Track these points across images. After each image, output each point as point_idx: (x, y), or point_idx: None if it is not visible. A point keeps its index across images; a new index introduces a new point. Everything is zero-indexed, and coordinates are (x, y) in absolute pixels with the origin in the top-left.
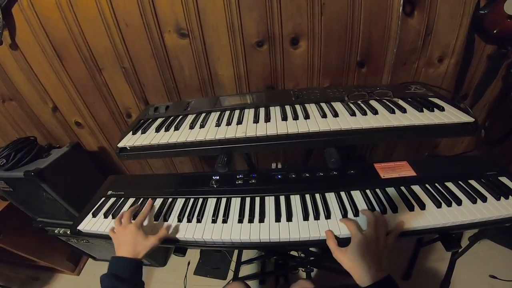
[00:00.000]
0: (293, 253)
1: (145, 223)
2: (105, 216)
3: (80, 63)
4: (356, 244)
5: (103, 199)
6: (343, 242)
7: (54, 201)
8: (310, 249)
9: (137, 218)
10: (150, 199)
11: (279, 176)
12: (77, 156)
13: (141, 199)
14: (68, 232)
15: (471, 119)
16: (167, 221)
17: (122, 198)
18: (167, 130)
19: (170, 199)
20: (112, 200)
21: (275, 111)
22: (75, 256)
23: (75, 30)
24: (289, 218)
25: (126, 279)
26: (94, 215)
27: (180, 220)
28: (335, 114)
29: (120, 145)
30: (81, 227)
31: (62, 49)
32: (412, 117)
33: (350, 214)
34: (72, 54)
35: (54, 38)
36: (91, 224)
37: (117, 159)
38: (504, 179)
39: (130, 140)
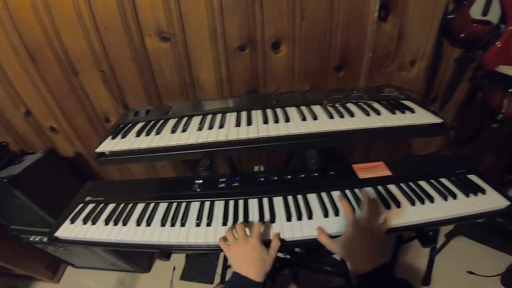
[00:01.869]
0: (279, 254)
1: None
2: (84, 222)
3: (55, 66)
4: (351, 232)
5: (81, 205)
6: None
7: (28, 208)
8: (295, 250)
9: (254, 230)
10: (153, 207)
11: (262, 179)
12: (52, 162)
13: (122, 204)
14: (45, 239)
15: (439, 120)
16: (164, 226)
17: (102, 204)
18: (148, 134)
19: (152, 204)
20: (91, 206)
21: (257, 114)
22: (54, 263)
23: (51, 33)
24: (272, 220)
25: None
26: (72, 222)
27: (163, 224)
28: (314, 117)
29: (99, 150)
30: (58, 233)
31: (37, 52)
32: (386, 119)
33: (331, 214)
34: (47, 56)
35: (28, 41)
36: (69, 230)
37: (95, 165)
38: (472, 177)
39: (109, 145)
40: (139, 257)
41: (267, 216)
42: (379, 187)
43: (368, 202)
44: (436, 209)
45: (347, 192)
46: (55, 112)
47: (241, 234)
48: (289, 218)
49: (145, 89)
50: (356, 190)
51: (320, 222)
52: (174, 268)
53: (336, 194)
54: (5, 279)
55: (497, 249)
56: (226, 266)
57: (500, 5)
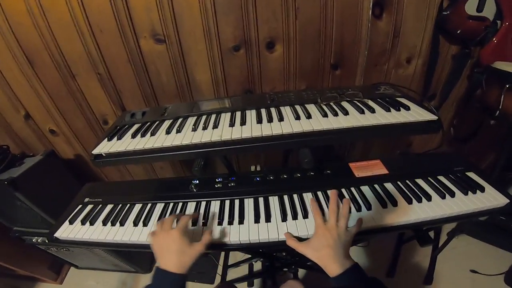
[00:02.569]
0: (279, 254)
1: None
2: (83, 223)
3: (53, 70)
4: (319, 234)
5: (80, 206)
6: None
7: (29, 210)
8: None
9: (179, 222)
10: (150, 207)
11: (258, 178)
12: (52, 164)
13: (120, 205)
14: (46, 240)
15: (435, 117)
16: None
17: (100, 205)
18: (143, 136)
19: (149, 205)
20: (90, 207)
21: (251, 114)
22: (57, 264)
23: (47, 37)
24: (267, 219)
25: None
26: (71, 222)
27: None
28: (308, 116)
29: (95, 151)
30: (58, 234)
31: (34, 56)
32: (380, 117)
33: (327, 213)
34: (45, 60)
35: (25, 45)
36: (68, 231)
37: (94, 166)
38: (471, 174)
39: (105, 147)
40: (140, 258)
41: (262, 216)
42: (376, 186)
43: (334, 204)
44: (434, 208)
45: (343, 191)
46: (54, 115)
47: (165, 226)
48: (284, 218)
49: (142, 90)
50: (353, 189)
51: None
52: None
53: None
54: (8, 280)
55: (500, 248)
56: (226, 265)
57: (495, 1)
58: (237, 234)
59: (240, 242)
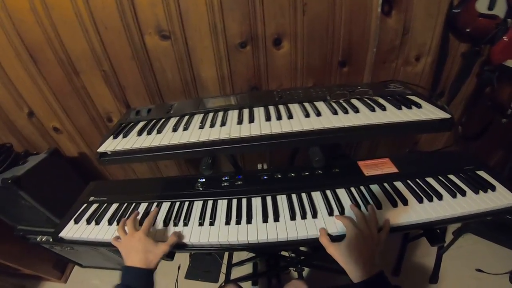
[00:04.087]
0: (284, 253)
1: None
2: (88, 222)
3: (57, 67)
4: (351, 238)
5: (85, 205)
6: (334, 240)
7: (33, 208)
8: (300, 248)
9: (144, 224)
10: (155, 206)
11: (265, 177)
12: (56, 162)
13: (125, 204)
14: (51, 239)
15: (447, 116)
16: (167, 225)
17: (105, 204)
18: (149, 133)
19: (155, 203)
20: (95, 206)
21: (259, 111)
22: (61, 263)
23: (51, 34)
24: (276, 219)
25: None
26: (76, 222)
27: (166, 224)
28: (318, 114)
29: (101, 150)
30: (63, 234)
31: (38, 53)
32: (392, 115)
33: (336, 212)
34: (48, 57)
35: (28, 42)
36: (73, 230)
37: (99, 164)
38: (482, 173)
39: (111, 145)
40: None
41: (271, 215)
42: (385, 184)
43: (359, 211)
44: (445, 207)
45: (353, 189)
46: (58, 112)
47: (129, 229)
48: (293, 217)
49: (147, 87)
50: (362, 188)
51: (325, 221)
52: (179, 267)
53: (341, 191)
54: (13, 279)
55: (506, 247)
56: (231, 264)
57: None
58: (245, 234)
59: (248, 242)
